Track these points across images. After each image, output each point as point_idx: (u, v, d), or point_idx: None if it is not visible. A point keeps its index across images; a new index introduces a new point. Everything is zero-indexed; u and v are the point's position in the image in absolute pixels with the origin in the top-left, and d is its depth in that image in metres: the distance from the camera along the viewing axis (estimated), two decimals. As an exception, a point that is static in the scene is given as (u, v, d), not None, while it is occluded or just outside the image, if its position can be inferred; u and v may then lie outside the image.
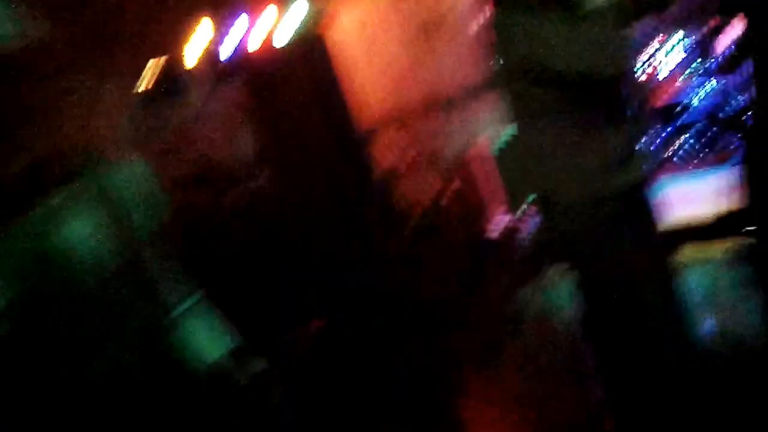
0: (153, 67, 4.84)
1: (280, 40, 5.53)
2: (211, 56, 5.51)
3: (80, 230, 1.70)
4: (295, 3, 5.44)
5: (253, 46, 5.44)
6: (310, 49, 5.45)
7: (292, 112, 5.23)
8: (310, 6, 5.52)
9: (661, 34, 5.04)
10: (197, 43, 5.55)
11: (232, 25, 5.47)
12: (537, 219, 4.56)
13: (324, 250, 4.25)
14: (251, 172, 4.67)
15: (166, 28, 5.44)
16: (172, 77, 5.45)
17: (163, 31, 5.37)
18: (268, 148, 5.11)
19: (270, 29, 5.46)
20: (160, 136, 2.78)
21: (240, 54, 5.29)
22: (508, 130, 5.06)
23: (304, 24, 5.52)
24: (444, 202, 4.99)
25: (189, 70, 5.56)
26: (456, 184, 5.11)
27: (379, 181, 5.09)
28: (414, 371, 3.77)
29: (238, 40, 5.43)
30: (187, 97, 5.43)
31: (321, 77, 5.39)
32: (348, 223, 4.68)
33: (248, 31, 5.55)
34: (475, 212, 4.93)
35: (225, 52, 5.36)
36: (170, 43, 5.33)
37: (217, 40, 5.66)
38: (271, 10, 5.42)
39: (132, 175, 1.87)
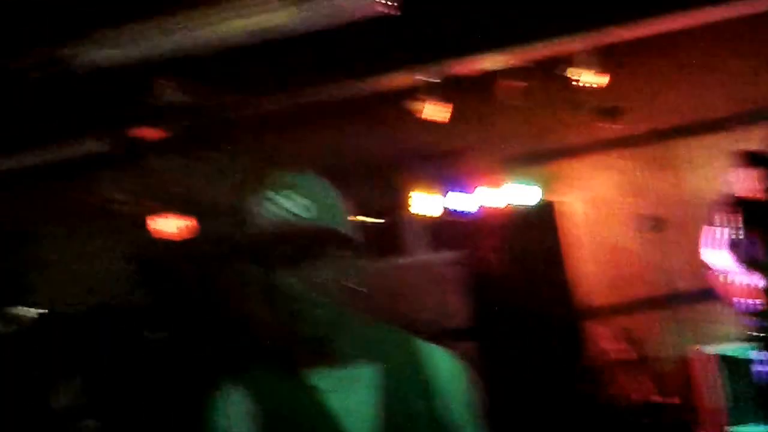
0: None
1: (505, 206, 5.55)
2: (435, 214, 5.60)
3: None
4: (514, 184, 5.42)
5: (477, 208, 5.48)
6: (536, 218, 5.43)
7: (509, 277, 5.17)
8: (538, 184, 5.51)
9: None
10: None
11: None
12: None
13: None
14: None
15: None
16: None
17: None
18: (479, 313, 5.07)
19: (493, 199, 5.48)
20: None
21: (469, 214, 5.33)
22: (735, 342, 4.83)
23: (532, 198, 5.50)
24: (657, 405, 4.75)
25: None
26: (672, 388, 4.87)
27: (589, 367, 4.92)
28: None
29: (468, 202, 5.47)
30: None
31: (543, 247, 5.33)
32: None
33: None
34: (691, 422, 4.66)
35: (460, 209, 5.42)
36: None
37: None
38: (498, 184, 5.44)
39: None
